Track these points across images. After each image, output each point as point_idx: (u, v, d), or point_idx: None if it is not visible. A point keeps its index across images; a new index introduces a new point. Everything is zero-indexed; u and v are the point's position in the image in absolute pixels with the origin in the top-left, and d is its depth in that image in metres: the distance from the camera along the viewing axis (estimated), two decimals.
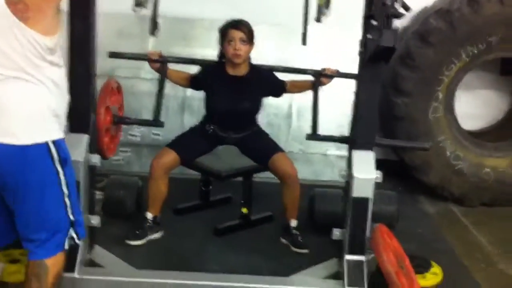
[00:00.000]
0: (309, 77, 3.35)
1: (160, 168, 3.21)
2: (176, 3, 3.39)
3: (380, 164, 2.78)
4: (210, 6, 3.33)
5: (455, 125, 4.39)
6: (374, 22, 2.48)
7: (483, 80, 4.82)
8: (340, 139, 3.16)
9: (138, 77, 4.20)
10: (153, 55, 3.25)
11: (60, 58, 2.13)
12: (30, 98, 2.02)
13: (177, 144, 3.32)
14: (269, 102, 4.20)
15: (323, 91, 3.33)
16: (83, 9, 2.55)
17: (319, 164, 4.50)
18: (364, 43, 2.69)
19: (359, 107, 2.80)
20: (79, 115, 2.63)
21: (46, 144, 2.05)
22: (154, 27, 3.14)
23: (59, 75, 2.13)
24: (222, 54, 3.34)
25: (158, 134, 4.33)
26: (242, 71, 3.33)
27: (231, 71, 3.32)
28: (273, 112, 4.29)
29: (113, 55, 3.29)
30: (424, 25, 4.09)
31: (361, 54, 2.75)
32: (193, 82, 3.43)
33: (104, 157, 2.94)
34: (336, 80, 3.34)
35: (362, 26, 2.73)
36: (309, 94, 3.35)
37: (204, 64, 3.43)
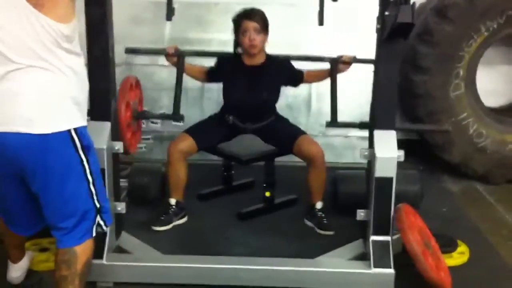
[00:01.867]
0: (327, 65, 3.32)
1: (176, 153, 3.23)
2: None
3: (401, 144, 2.76)
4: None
5: (477, 102, 4.34)
6: None
7: (503, 55, 4.74)
8: (361, 125, 3.15)
9: (156, 64, 4.21)
10: (170, 49, 3.24)
11: (78, 46, 2.14)
12: (49, 87, 2.03)
13: (195, 130, 3.33)
14: None
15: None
16: None
17: (340, 146, 4.48)
18: (381, 19, 2.66)
19: (379, 86, 2.77)
20: (100, 103, 2.66)
21: (68, 132, 2.07)
22: (170, 12, 3.14)
23: (78, 63, 2.14)
24: (237, 44, 3.34)
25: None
26: (258, 60, 3.32)
27: (247, 61, 3.32)
28: (292, 94, 4.27)
29: (130, 50, 3.29)
30: (442, 0, 4.03)
31: (379, 31, 2.73)
32: (210, 75, 3.44)
33: (127, 152, 2.97)
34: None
35: (379, 2, 2.70)
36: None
37: (220, 56, 3.43)
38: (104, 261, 2.64)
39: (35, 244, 2.85)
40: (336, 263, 2.82)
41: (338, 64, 3.28)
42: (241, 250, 3.04)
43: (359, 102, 4.10)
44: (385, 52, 2.72)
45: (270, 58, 3.36)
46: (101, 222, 2.26)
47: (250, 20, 3.19)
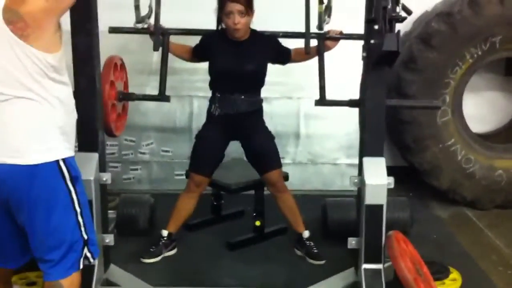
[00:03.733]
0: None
1: (197, 190, 3.28)
2: (177, 19, 3.38)
3: (389, 171, 2.76)
4: (211, 20, 3.33)
5: (464, 128, 4.37)
6: (376, 27, 2.47)
7: (488, 81, 4.81)
8: (350, 103, 3.11)
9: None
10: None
11: (66, 76, 2.13)
12: (36, 117, 2.02)
13: (197, 165, 3.29)
14: (276, 110, 4.20)
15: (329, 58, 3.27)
16: (85, 26, 2.56)
17: (329, 173, 4.48)
18: (367, 48, 2.69)
19: (366, 113, 2.79)
20: (87, 134, 2.65)
21: (56, 163, 2.05)
22: (157, 42, 3.15)
23: (66, 93, 2.13)
24: (220, 20, 3.26)
25: (168, 151, 4.34)
26: (243, 37, 3.21)
27: (232, 37, 3.21)
28: (280, 121, 4.29)
29: (114, 30, 3.25)
30: (426, 28, 4.08)
31: (365, 59, 2.75)
32: (196, 53, 3.34)
33: (112, 135, 2.95)
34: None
35: (364, 30, 2.73)
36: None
37: (205, 33, 3.35)
38: None
39: (22, 278, 2.79)
40: None
41: (325, 41, 3.21)
42: (231, 280, 3.01)
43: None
44: (372, 79, 2.74)
45: (256, 34, 3.27)
46: (88, 255, 2.22)
47: (234, 2, 3.06)
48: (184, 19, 3.43)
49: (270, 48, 3.29)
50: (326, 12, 3.15)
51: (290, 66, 3.45)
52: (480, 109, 4.77)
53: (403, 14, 2.56)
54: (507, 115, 4.89)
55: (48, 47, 2.00)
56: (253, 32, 3.26)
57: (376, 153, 2.78)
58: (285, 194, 3.34)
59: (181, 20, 3.38)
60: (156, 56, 3.99)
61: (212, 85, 3.32)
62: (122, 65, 3.19)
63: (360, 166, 2.82)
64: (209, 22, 3.33)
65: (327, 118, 3.28)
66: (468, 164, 4.25)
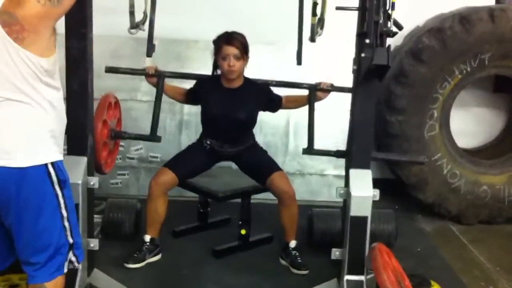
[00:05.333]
0: (305, 92, 3.35)
1: (158, 189, 3.22)
2: (172, 25, 3.41)
3: (376, 183, 2.79)
4: (205, 27, 3.35)
5: (451, 143, 4.41)
6: (367, 40, 2.51)
7: (476, 97, 4.86)
8: (337, 154, 3.16)
9: (135, 99, 4.21)
10: (150, 69, 3.26)
11: (58, 80, 2.14)
12: (27, 120, 2.02)
13: (174, 163, 3.33)
14: (266, 121, 4.23)
15: (319, 107, 3.36)
16: (79, 30, 2.57)
17: (317, 184, 4.50)
18: (358, 61, 2.72)
19: (355, 125, 2.81)
20: (77, 137, 2.65)
21: (45, 166, 2.05)
22: (150, 48, 3.16)
23: (57, 97, 2.13)
24: (216, 65, 3.36)
25: (156, 157, 4.34)
26: (236, 83, 3.33)
27: (225, 83, 3.33)
28: (270, 132, 4.31)
29: (110, 70, 3.30)
30: (417, 43, 4.13)
31: (355, 72, 2.78)
32: (190, 96, 3.44)
33: (101, 172, 2.96)
34: (332, 96, 3.36)
35: (355, 44, 2.76)
36: (306, 112, 3.33)
37: (199, 77, 3.45)
38: None
39: (5, 280, 2.78)
40: None
41: (316, 91, 3.30)
42: None
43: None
44: (361, 92, 2.76)
45: (249, 82, 3.37)
46: (73, 259, 2.22)
47: (230, 46, 3.18)
48: (179, 27, 3.46)
49: (262, 97, 3.40)
50: (318, 24, 3.19)
51: (280, 75, 3.48)
52: (467, 124, 4.82)
53: (394, 29, 2.60)
54: (494, 131, 4.95)
55: (43, 51, 2.00)
56: (247, 80, 3.36)
57: (363, 165, 2.80)
58: (294, 203, 3.31)
59: (176, 27, 3.40)
60: (149, 61, 4.01)
61: (203, 127, 3.44)
62: (117, 103, 3.22)
63: (347, 177, 2.84)
64: (204, 31, 3.37)
65: (315, 129, 3.32)
66: (453, 179, 4.29)
